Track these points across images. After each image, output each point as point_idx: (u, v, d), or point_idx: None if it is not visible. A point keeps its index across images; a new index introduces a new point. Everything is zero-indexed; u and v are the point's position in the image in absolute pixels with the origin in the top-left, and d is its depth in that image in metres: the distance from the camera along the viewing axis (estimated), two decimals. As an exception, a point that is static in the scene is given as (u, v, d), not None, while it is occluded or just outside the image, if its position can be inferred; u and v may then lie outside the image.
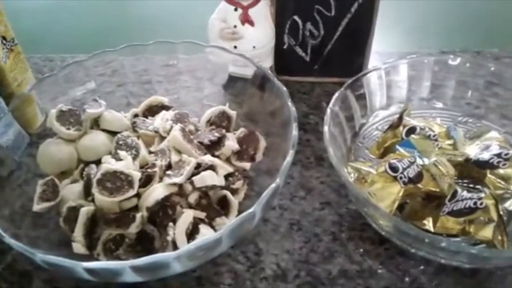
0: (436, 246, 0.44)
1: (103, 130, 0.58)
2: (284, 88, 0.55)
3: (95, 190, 0.48)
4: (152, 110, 0.61)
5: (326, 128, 0.51)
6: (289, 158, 0.47)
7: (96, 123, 0.58)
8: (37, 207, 0.51)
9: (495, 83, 0.60)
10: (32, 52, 0.80)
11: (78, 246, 0.47)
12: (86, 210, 0.48)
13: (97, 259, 0.48)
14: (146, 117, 0.60)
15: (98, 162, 0.54)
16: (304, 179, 0.60)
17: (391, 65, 0.60)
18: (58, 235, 0.51)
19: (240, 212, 0.51)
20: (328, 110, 0.54)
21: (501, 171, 0.52)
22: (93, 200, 0.50)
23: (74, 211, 0.49)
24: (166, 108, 0.61)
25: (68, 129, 0.55)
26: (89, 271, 0.39)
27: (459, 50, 0.77)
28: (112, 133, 0.57)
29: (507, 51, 0.78)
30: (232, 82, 0.67)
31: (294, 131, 0.49)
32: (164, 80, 0.68)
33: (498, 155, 0.53)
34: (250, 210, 0.42)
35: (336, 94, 0.55)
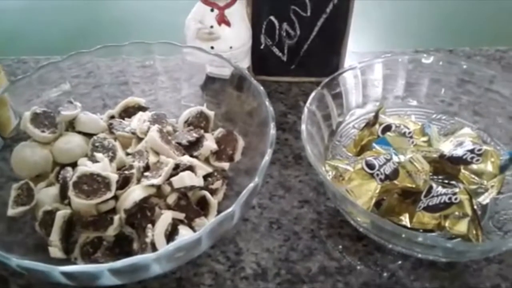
0: (413, 241, 0.45)
1: (79, 132, 0.57)
2: (261, 88, 0.55)
3: (71, 193, 0.47)
4: (129, 112, 0.61)
5: (303, 127, 0.52)
6: (267, 157, 0.47)
7: (71, 125, 0.57)
8: (12, 211, 0.50)
9: (467, 80, 0.62)
10: (4, 54, 0.78)
11: (55, 250, 0.46)
12: (62, 213, 0.47)
13: (74, 263, 0.47)
14: (123, 119, 0.59)
15: (74, 165, 0.53)
16: (283, 178, 0.60)
17: (366, 64, 0.61)
18: (34, 239, 0.50)
19: (219, 212, 0.51)
20: (305, 109, 0.54)
21: (474, 166, 0.54)
22: (69, 204, 0.49)
23: (50, 215, 0.48)
24: (143, 109, 0.61)
25: (43, 131, 0.54)
26: (67, 275, 0.39)
27: (432, 49, 0.78)
28: (88, 135, 0.57)
29: (478, 49, 0.80)
30: (210, 82, 0.67)
31: (272, 130, 0.49)
32: (141, 81, 0.67)
33: (471, 151, 0.54)
34: (229, 210, 0.42)
35: (313, 94, 0.56)
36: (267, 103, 0.53)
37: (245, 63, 0.71)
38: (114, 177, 0.48)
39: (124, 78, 0.66)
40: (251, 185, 0.44)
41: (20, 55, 0.81)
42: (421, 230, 0.50)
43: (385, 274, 0.50)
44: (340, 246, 0.53)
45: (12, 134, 0.60)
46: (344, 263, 0.51)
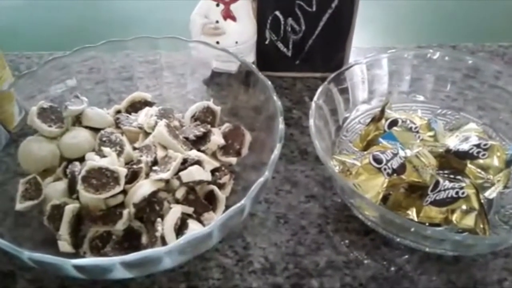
0: (422, 235, 0.45)
1: (86, 127, 0.57)
2: (269, 82, 0.55)
3: (80, 187, 0.47)
4: (135, 106, 0.60)
5: (311, 122, 0.52)
6: (276, 152, 0.47)
7: (78, 120, 0.57)
8: (20, 206, 0.50)
9: (472, 76, 0.62)
10: (7, 50, 0.78)
11: (64, 245, 0.46)
12: (71, 207, 0.47)
13: (83, 257, 0.47)
14: (129, 114, 0.59)
15: (81, 160, 0.53)
16: (289, 173, 0.60)
17: (372, 59, 0.61)
18: (42, 234, 0.50)
19: (227, 207, 0.52)
20: (313, 104, 0.54)
21: (480, 161, 0.54)
22: (77, 198, 0.49)
23: (58, 209, 0.48)
24: (150, 104, 0.61)
25: (50, 126, 0.54)
26: (78, 268, 0.39)
27: (435, 45, 0.79)
28: (95, 130, 0.56)
29: (481, 45, 0.80)
30: (215, 77, 0.67)
31: (281, 125, 0.50)
32: (146, 76, 0.67)
33: (477, 146, 0.54)
34: (241, 203, 0.42)
35: (320, 88, 0.56)
36: (275, 97, 0.53)
37: (249, 59, 0.71)
38: (123, 171, 0.48)
39: (129, 73, 0.66)
40: (261, 179, 0.44)
41: (23, 50, 0.81)
42: (427, 224, 0.50)
43: (392, 268, 0.51)
44: (347, 241, 0.53)
45: (16, 130, 0.60)
46: (351, 257, 0.52)
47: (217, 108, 0.59)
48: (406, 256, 0.52)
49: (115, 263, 0.38)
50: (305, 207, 0.56)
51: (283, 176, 0.60)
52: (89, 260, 0.39)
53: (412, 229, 0.45)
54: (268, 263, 0.51)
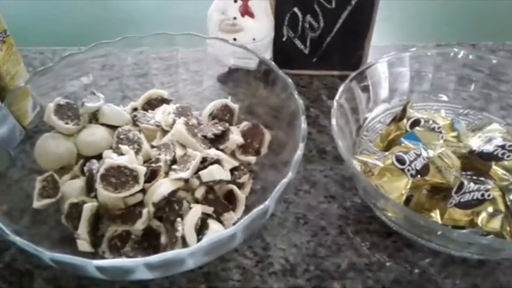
0: (447, 237, 0.44)
1: (102, 124, 0.56)
2: (290, 80, 0.54)
3: (99, 185, 0.47)
4: (152, 104, 0.60)
5: (334, 121, 0.51)
6: (300, 151, 0.46)
7: (94, 117, 0.56)
8: (37, 203, 0.49)
9: (494, 75, 0.61)
10: (21, 45, 0.77)
11: (83, 244, 0.46)
12: (90, 206, 0.47)
13: (102, 257, 0.46)
14: (146, 111, 0.58)
15: (98, 157, 0.52)
16: (307, 173, 0.59)
17: (394, 58, 0.60)
18: (59, 232, 0.49)
19: (246, 206, 0.51)
20: (335, 103, 0.53)
21: (505, 162, 0.53)
22: (95, 196, 0.48)
23: (76, 208, 0.48)
24: (166, 101, 0.60)
25: (67, 123, 0.53)
26: (101, 269, 0.38)
27: (455, 43, 0.77)
28: (112, 127, 0.56)
29: (501, 43, 0.79)
30: (232, 75, 0.66)
31: (303, 124, 0.49)
32: (161, 73, 0.66)
33: (502, 147, 0.53)
34: (265, 204, 0.41)
35: (342, 87, 0.55)
36: (296, 96, 0.52)
37: (266, 56, 0.70)
38: (142, 169, 0.47)
39: (144, 70, 0.65)
40: (285, 180, 0.43)
41: (36, 46, 0.80)
42: (449, 227, 0.49)
43: (416, 271, 0.50)
44: (368, 242, 0.52)
45: (30, 126, 0.59)
46: (373, 260, 0.51)
47: (235, 106, 0.58)
48: (430, 259, 0.51)
49: (138, 265, 0.37)
50: (324, 208, 0.55)
51: (302, 175, 0.59)
52: (112, 261, 0.39)
53: (439, 232, 0.44)
54: (289, 265, 0.50)
